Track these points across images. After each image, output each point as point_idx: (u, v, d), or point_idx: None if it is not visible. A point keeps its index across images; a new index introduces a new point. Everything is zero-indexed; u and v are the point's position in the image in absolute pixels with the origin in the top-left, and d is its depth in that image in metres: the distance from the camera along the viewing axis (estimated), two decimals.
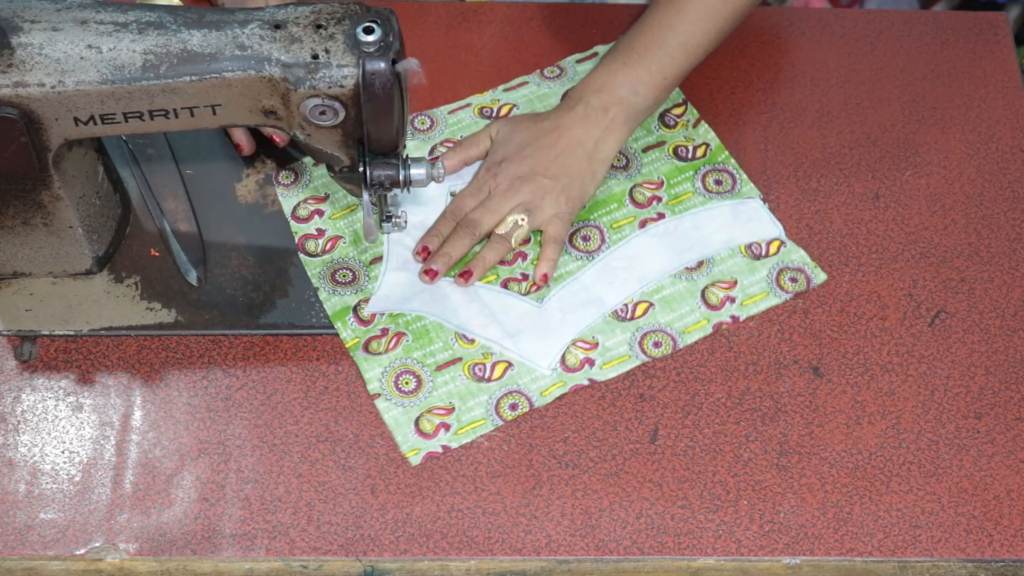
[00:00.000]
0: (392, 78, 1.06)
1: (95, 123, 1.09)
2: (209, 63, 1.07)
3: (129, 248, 1.26)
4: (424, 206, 1.28)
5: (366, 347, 1.20)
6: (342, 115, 1.08)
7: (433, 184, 1.26)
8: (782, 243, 1.27)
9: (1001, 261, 1.28)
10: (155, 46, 1.07)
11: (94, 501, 1.14)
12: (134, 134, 1.28)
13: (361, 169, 1.13)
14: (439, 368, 1.19)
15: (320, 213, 1.27)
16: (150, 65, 1.06)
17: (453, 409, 1.17)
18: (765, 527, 1.14)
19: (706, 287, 1.24)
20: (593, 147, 1.25)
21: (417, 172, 1.15)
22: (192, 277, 1.23)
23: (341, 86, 1.06)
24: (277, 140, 1.27)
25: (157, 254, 1.26)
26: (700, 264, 1.25)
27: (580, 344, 1.21)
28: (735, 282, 1.24)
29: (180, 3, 1.38)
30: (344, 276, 1.23)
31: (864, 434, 1.18)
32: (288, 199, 1.28)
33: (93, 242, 1.22)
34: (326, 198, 1.28)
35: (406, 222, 1.23)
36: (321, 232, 1.26)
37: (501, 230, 1.24)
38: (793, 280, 1.24)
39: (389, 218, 1.21)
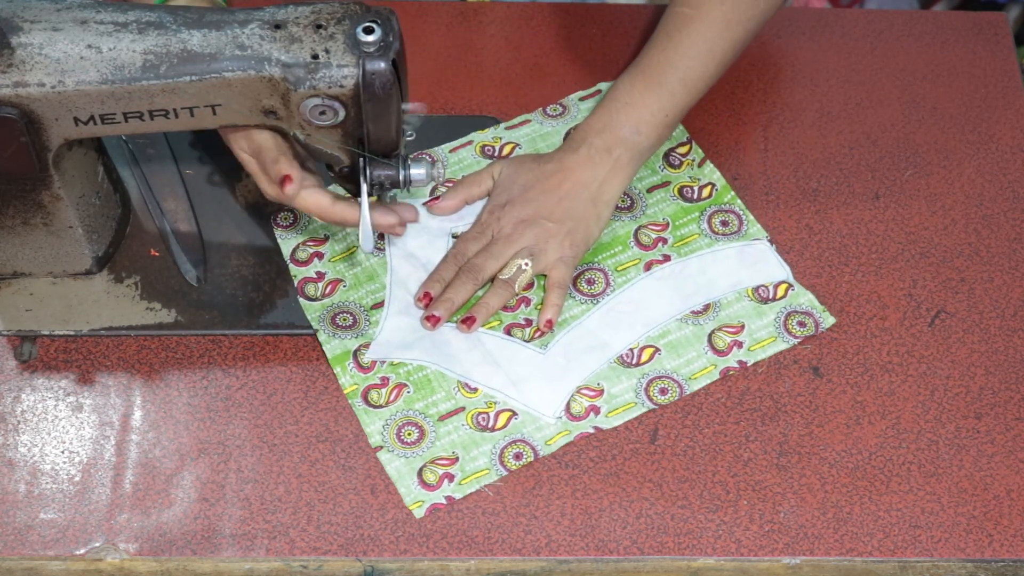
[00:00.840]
0: (392, 78, 1.06)
1: (95, 123, 1.09)
2: (209, 63, 1.07)
3: (129, 248, 1.26)
4: (424, 247, 1.27)
5: (365, 396, 1.18)
6: (342, 115, 1.08)
7: (433, 222, 1.26)
8: (790, 286, 1.25)
9: (1001, 261, 1.28)
10: (155, 46, 1.07)
11: (94, 501, 1.14)
12: (134, 134, 1.28)
13: (361, 169, 1.13)
14: (442, 418, 1.18)
15: (320, 256, 1.26)
16: (150, 65, 1.06)
17: (457, 459, 1.16)
18: (765, 527, 1.14)
19: (712, 331, 1.22)
20: (597, 189, 1.24)
21: (417, 172, 1.15)
22: (192, 277, 1.23)
23: (341, 86, 1.06)
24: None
25: (157, 254, 1.26)
26: (706, 308, 1.23)
27: (585, 392, 1.19)
28: (742, 326, 1.22)
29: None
30: (344, 320, 1.22)
31: (864, 434, 1.18)
32: (287, 241, 1.26)
33: (93, 242, 1.22)
34: (325, 240, 1.26)
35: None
36: (321, 275, 1.24)
37: (505, 275, 1.22)
38: (801, 324, 1.23)
39: None
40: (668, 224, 1.28)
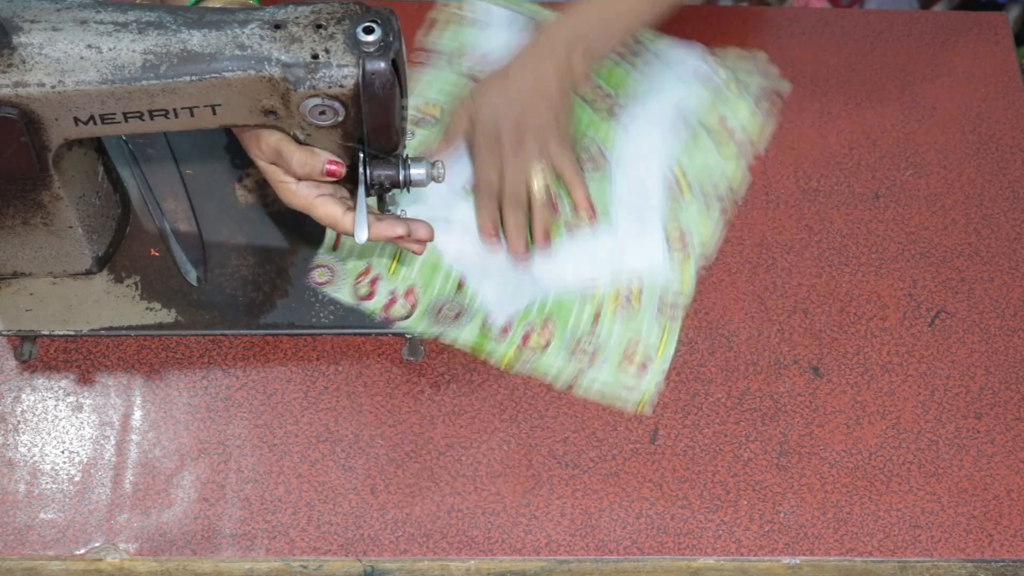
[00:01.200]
0: (392, 78, 1.06)
1: (95, 123, 1.09)
2: (209, 63, 1.07)
3: (129, 248, 1.26)
4: (448, 206, 1.28)
5: (526, 341, 1.22)
6: (342, 115, 1.08)
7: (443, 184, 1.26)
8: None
9: (1001, 261, 1.28)
10: (155, 46, 1.07)
11: (94, 501, 1.14)
12: (134, 134, 1.28)
13: (361, 169, 1.13)
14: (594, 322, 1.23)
15: (377, 280, 1.25)
16: (150, 65, 1.06)
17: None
18: (765, 527, 1.14)
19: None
20: (570, 89, 1.27)
21: (417, 172, 1.14)
22: (192, 277, 1.23)
23: (341, 86, 1.06)
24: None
25: (157, 254, 1.26)
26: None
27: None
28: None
29: None
30: (449, 311, 1.23)
31: (864, 434, 1.18)
32: (340, 291, 1.24)
33: (93, 242, 1.22)
34: (369, 267, 1.25)
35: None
36: (394, 294, 1.24)
37: (539, 197, 1.26)
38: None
39: None
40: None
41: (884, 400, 1.20)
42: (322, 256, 1.25)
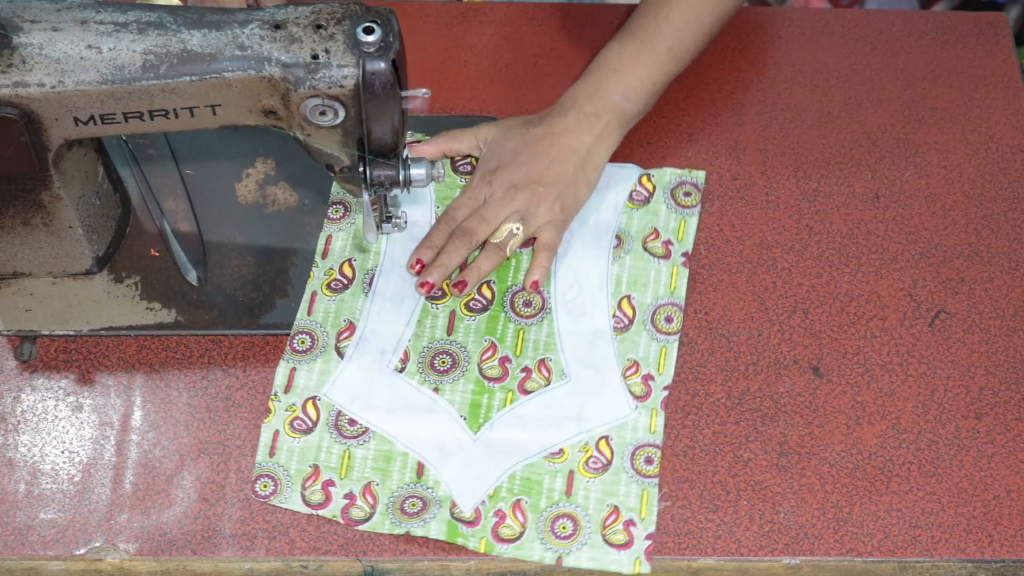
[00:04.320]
0: (392, 78, 1.06)
1: (95, 123, 1.09)
2: (209, 63, 1.07)
3: (129, 248, 1.26)
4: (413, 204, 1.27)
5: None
6: (342, 115, 1.08)
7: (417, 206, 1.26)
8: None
9: (1001, 261, 1.28)
10: (155, 46, 1.07)
11: (94, 501, 1.14)
12: (134, 134, 1.28)
13: (361, 169, 1.13)
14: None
15: (329, 485, 1.14)
16: (150, 65, 1.06)
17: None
18: (765, 527, 1.14)
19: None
20: (586, 154, 1.25)
21: (417, 172, 1.15)
22: (192, 277, 1.23)
23: (341, 86, 1.06)
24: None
25: (157, 254, 1.26)
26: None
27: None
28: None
29: (180, 2, 1.38)
30: (411, 506, 1.14)
31: (864, 434, 1.18)
32: (289, 500, 1.14)
33: (93, 242, 1.22)
34: (316, 473, 1.15)
35: (406, 222, 1.22)
36: (350, 496, 1.14)
37: (496, 239, 1.23)
38: (687, 195, 1.27)
39: (389, 219, 1.21)
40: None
41: (884, 400, 1.20)
42: (261, 466, 1.15)
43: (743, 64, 1.40)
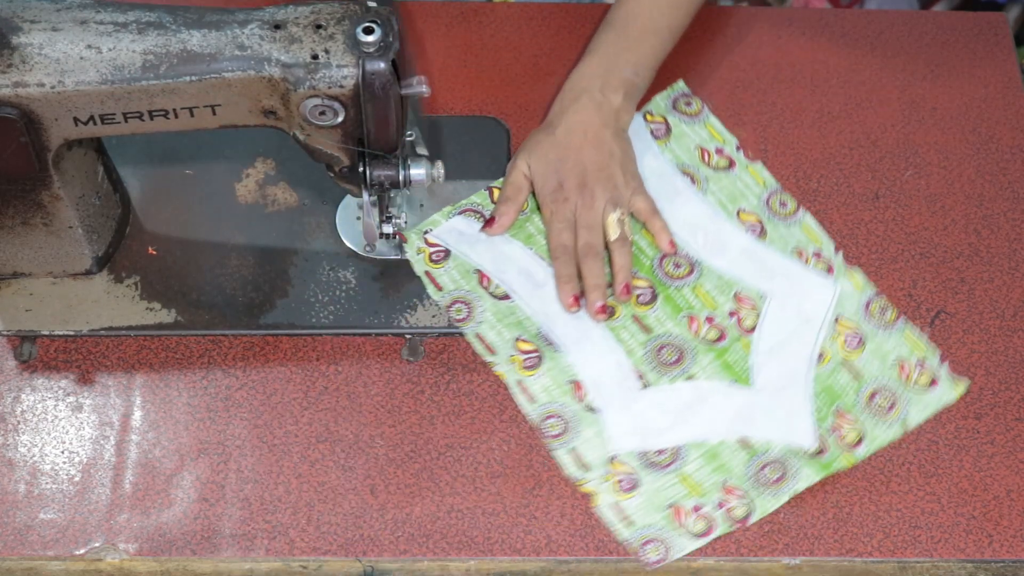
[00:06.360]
0: (392, 78, 1.06)
1: (95, 123, 1.09)
2: (209, 63, 1.07)
3: (129, 248, 1.26)
4: (506, 258, 1.26)
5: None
6: (342, 115, 1.08)
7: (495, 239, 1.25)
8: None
9: (1001, 261, 1.28)
10: (155, 46, 1.07)
11: (94, 501, 1.14)
12: (134, 134, 1.28)
13: (361, 169, 1.13)
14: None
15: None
16: (150, 65, 1.06)
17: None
18: (765, 527, 1.14)
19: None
20: (616, 124, 1.27)
21: (417, 172, 1.15)
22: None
23: (341, 86, 1.07)
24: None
25: (157, 254, 1.26)
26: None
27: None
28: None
29: None
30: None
31: None
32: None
33: (93, 242, 1.22)
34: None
35: (406, 223, 1.22)
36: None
37: (613, 235, 1.23)
38: (688, 105, 1.34)
39: (389, 219, 1.21)
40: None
41: None
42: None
43: (743, 64, 1.40)
